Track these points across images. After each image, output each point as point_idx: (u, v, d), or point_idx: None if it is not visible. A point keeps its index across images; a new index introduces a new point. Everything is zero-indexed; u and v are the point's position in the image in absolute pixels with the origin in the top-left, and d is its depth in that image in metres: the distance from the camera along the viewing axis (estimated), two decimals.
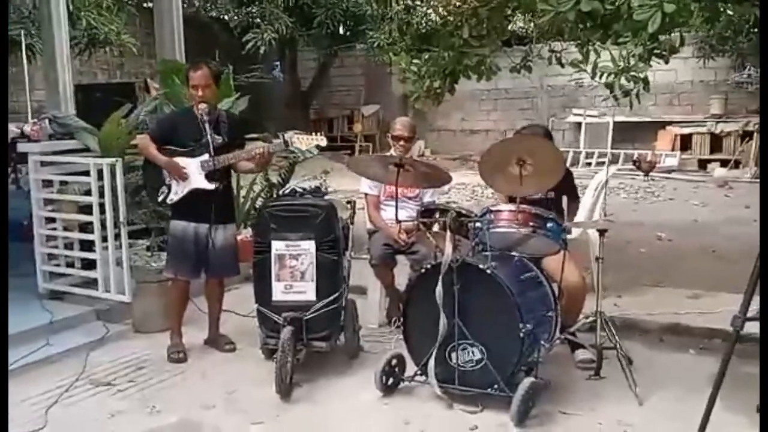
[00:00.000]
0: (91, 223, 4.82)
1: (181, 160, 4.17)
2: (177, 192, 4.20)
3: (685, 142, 12.83)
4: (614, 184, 10.93)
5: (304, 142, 4.18)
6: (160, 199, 4.27)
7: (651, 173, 11.55)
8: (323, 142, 4.19)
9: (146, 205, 5.00)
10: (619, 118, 12.61)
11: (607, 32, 5.23)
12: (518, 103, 14.61)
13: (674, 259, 6.31)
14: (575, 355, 4.00)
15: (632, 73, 4.89)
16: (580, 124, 13.69)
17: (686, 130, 12.82)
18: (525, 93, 14.26)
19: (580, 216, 4.59)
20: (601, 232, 3.88)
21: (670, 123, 13.05)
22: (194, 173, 4.17)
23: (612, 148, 12.74)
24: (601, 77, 5.31)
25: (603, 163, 12.17)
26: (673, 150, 12.77)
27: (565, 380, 3.80)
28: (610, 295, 4.93)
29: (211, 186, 4.18)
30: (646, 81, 4.91)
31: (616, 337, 3.77)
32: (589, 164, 12.89)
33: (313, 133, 4.25)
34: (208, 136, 4.13)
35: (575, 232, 4.67)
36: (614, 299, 4.88)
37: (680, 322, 4.49)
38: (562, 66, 6.11)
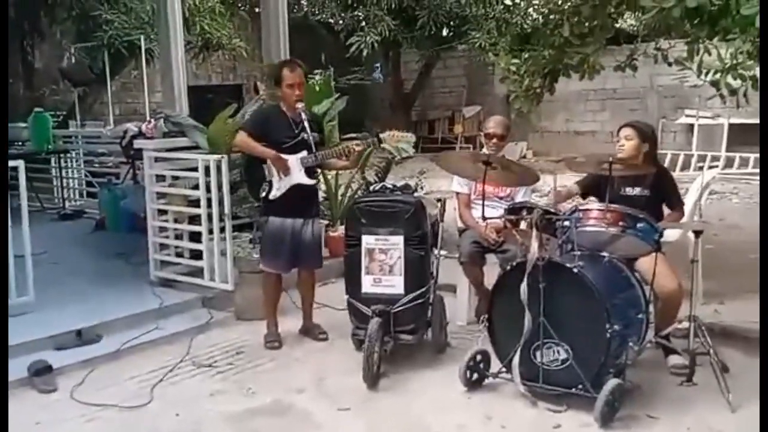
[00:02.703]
0: (199, 215, 5.12)
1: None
2: (279, 188, 4.33)
3: None
4: (728, 188, 10.41)
5: (393, 139, 4.27)
6: (262, 195, 4.38)
7: None
8: (412, 139, 4.28)
9: (249, 201, 5.24)
10: (736, 120, 11.96)
11: (715, 28, 5.03)
12: (627, 104, 14.02)
13: None
14: (668, 360, 3.89)
15: (739, 71, 4.70)
16: (692, 125, 13.08)
17: None
18: (634, 93, 13.71)
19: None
20: (697, 234, 3.75)
21: None
22: (295, 169, 4.32)
23: (727, 151, 12.12)
24: (706, 75, 5.13)
25: (716, 167, 11.63)
26: None
27: (656, 385, 3.71)
28: (712, 302, 4.77)
29: (311, 182, 4.37)
30: (754, 79, 4.69)
31: (710, 343, 3.64)
32: (701, 168, 12.29)
33: (406, 132, 4.34)
34: (309, 135, 4.28)
35: (674, 236, 4.53)
36: (715, 306, 4.70)
37: None
38: (669, 65, 5.90)
